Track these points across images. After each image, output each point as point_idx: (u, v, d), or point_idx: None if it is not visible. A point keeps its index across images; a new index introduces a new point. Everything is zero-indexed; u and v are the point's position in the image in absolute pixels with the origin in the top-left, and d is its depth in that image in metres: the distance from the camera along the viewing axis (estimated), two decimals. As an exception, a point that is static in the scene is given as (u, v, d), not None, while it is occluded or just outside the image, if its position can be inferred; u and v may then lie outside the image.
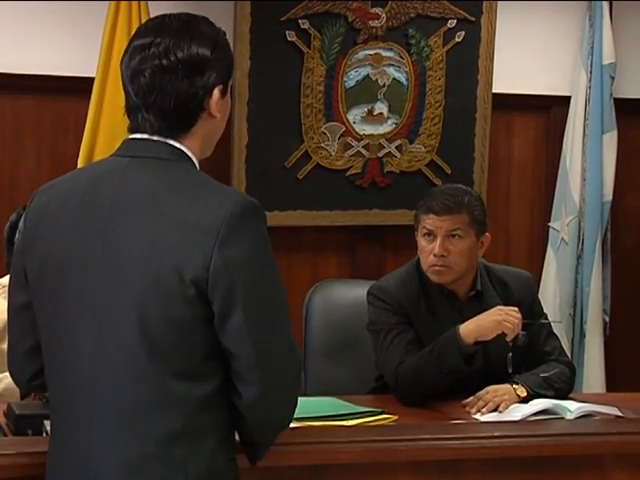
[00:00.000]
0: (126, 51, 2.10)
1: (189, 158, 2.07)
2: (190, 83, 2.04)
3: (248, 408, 2.03)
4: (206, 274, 1.94)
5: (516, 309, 3.12)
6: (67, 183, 2.13)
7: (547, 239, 5.09)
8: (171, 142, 2.06)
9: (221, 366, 2.01)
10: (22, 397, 2.99)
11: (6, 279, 3.27)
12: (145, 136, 2.06)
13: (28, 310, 2.13)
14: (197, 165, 2.09)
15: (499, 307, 3.15)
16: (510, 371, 3.16)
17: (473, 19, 4.87)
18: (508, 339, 3.10)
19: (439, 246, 3.21)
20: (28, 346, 2.16)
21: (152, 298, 1.96)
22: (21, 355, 2.20)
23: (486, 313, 3.13)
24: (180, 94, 2.04)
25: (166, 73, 2.03)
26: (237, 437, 2.14)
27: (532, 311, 3.32)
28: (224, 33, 2.14)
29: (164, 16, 2.12)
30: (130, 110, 2.09)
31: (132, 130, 2.09)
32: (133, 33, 2.15)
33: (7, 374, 3.01)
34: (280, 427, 2.14)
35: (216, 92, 2.07)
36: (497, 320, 3.09)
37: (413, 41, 4.80)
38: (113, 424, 2.00)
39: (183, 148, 2.06)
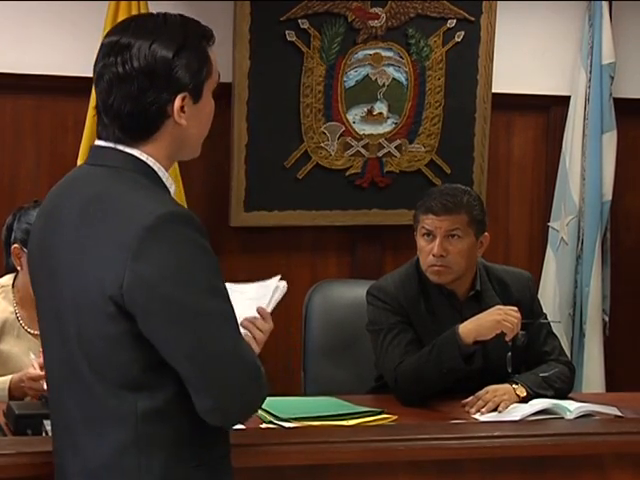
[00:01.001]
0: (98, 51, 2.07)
1: (145, 165, 2.00)
2: (146, 92, 1.97)
3: (206, 416, 1.95)
4: (120, 291, 1.88)
5: (515, 309, 3.12)
6: (57, 186, 2.12)
7: (547, 239, 5.08)
8: (124, 149, 2.00)
9: (171, 376, 1.93)
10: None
11: (6, 279, 3.27)
12: (102, 143, 2.03)
13: None
14: (160, 171, 2.01)
15: (498, 307, 3.15)
16: (509, 371, 3.16)
17: (473, 19, 4.86)
18: (507, 339, 3.10)
19: (438, 246, 3.21)
20: None
21: (84, 313, 1.94)
22: None
23: (485, 313, 3.13)
24: (137, 102, 1.98)
25: (122, 82, 1.99)
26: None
27: (531, 311, 3.32)
28: (203, 37, 2.03)
29: (134, 17, 2.11)
30: (97, 113, 2.06)
31: (97, 135, 2.06)
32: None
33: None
34: (246, 418, 2.08)
35: (178, 100, 1.99)
36: (496, 320, 3.09)
37: (413, 41, 4.79)
38: (74, 433, 2.00)
39: (137, 154, 2.00)
